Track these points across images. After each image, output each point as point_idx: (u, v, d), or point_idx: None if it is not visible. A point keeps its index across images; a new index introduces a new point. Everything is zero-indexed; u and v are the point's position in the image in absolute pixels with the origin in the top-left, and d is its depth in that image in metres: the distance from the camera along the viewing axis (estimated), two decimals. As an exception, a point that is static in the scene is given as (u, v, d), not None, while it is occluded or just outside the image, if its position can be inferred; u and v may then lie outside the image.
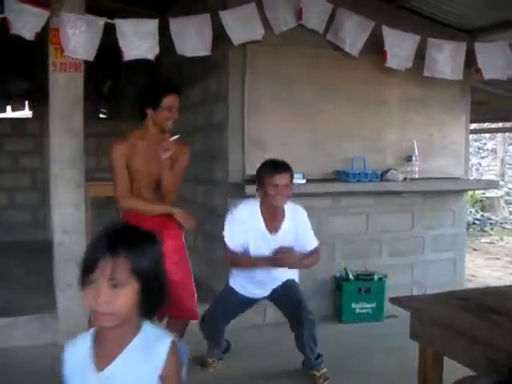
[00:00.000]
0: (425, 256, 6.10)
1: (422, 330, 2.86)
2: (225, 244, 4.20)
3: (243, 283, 4.28)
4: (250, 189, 5.00)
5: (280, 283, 4.27)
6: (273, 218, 4.16)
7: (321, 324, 4.66)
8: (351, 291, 5.49)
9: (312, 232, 4.28)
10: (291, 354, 4.47)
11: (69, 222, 4.77)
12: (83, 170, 4.83)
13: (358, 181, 5.43)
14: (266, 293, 4.30)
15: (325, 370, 4.27)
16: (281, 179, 4.01)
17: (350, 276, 5.51)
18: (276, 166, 4.07)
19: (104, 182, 7.41)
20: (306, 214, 4.24)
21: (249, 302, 4.39)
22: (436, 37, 5.53)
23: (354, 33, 5.36)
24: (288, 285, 4.27)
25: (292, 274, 4.31)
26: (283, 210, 4.18)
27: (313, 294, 4.55)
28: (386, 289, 5.53)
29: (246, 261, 4.17)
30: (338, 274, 5.60)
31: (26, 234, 8.35)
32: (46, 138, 6.68)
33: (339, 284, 5.55)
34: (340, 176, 5.52)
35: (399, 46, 5.40)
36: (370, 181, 5.50)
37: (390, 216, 5.90)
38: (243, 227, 4.13)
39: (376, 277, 5.56)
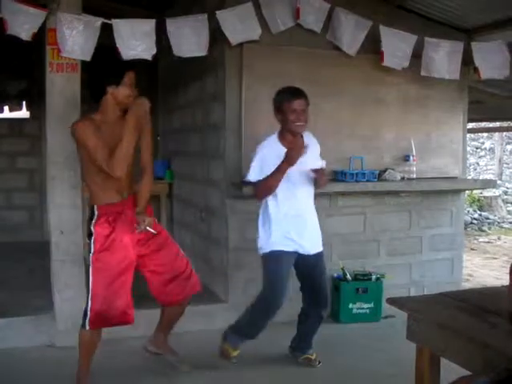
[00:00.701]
0: (422, 256, 6.09)
1: (419, 331, 2.86)
2: (251, 183, 4.24)
3: (279, 236, 4.21)
4: (248, 189, 4.99)
5: (312, 249, 4.28)
6: (293, 143, 4.16)
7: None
8: (349, 291, 5.49)
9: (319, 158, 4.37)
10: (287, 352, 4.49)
11: (65, 222, 4.76)
12: (79, 170, 4.81)
13: (356, 180, 5.42)
14: (301, 247, 4.24)
15: (315, 354, 4.48)
16: (299, 104, 4.11)
17: (348, 276, 5.51)
18: (293, 92, 4.15)
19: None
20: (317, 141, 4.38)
21: (291, 260, 4.30)
22: (433, 36, 5.53)
23: (351, 32, 5.36)
24: (318, 267, 4.34)
25: (319, 241, 4.35)
26: (302, 137, 4.22)
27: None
28: (383, 289, 5.52)
29: (270, 179, 4.09)
30: (335, 274, 5.58)
31: (23, 234, 8.35)
32: (43, 139, 6.69)
33: (337, 284, 5.55)
34: (337, 176, 5.51)
35: (396, 46, 5.40)
36: (367, 180, 5.49)
37: (388, 216, 5.90)
38: (266, 161, 4.12)
39: (373, 277, 5.56)
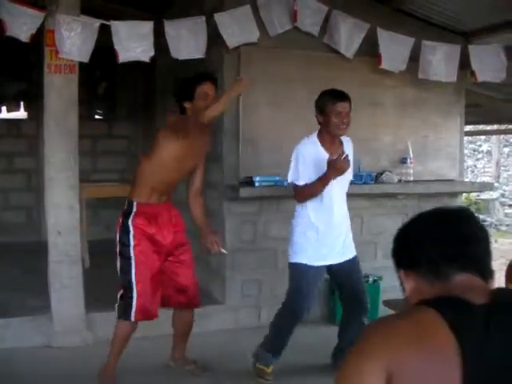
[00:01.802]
0: (419, 258, 6.08)
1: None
2: (294, 186, 4.15)
3: (313, 249, 4.15)
4: (245, 191, 5.01)
5: (346, 255, 4.25)
6: (332, 146, 4.15)
7: (314, 326, 4.68)
8: (345, 293, 5.49)
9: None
10: (288, 353, 4.50)
11: (63, 223, 4.77)
12: (77, 171, 4.82)
13: (353, 183, 5.42)
14: (334, 258, 4.22)
15: None
16: (343, 106, 4.04)
17: (345, 278, 5.51)
18: (338, 94, 4.09)
19: (99, 183, 7.44)
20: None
21: (318, 274, 4.27)
22: (431, 39, 5.55)
23: (349, 35, 5.38)
24: (352, 273, 4.30)
25: (351, 248, 4.32)
26: (340, 140, 4.22)
27: (307, 295, 4.58)
28: (380, 291, 5.53)
29: (317, 184, 4.03)
30: (332, 276, 5.59)
31: (20, 234, 8.32)
32: (41, 139, 6.67)
33: (333, 286, 5.54)
34: (335, 178, 5.51)
35: (394, 49, 5.42)
36: (364, 183, 5.50)
37: (385, 218, 5.90)
38: (307, 164, 4.08)
39: (370, 279, 5.56)
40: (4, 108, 8.93)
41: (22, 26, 4.52)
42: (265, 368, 4.28)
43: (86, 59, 4.69)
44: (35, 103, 8.05)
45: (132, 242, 3.89)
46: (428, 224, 1.63)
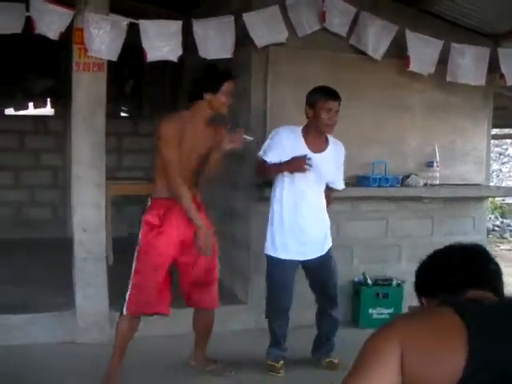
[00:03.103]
0: (444, 262, 6.03)
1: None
2: (261, 159, 4.31)
3: (287, 243, 4.29)
4: (270, 192, 4.99)
5: (321, 251, 4.36)
6: (315, 141, 4.29)
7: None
8: (369, 296, 5.46)
9: (342, 173, 4.49)
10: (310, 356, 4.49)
11: (89, 220, 4.79)
12: (104, 169, 4.85)
13: (379, 185, 5.40)
14: (308, 254, 4.33)
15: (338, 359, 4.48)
16: (334, 104, 4.16)
17: (369, 281, 5.48)
18: (330, 92, 4.20)
19: (124, 181, 7.48)
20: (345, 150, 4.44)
21: (294, 268, 4.38)
22: (459, 42, 5.49)
23: (377, 37, 5.34)
24: (323, 269, 4.39)
25: (324, 245, 4.40)
26: (326, 138, 4.35)
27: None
28: (404, 295, 5.49)
29: (271, 169, 4.28)
30: (356, 279, 5.57)
31: (45, 231, 8.39)
32: (67, 136, 6.72)
33: (357, 289, 5.53)
34: (360, 180, 5.49)
35: (422, 51, 5.37)
36: (390, 186, 5.47)
37: (410, 221, 5.86)
38: (283, 146, 4.22)
39: (394, 282, 5.53)
40: (31, 104, 9.01)
41: (51, 24, 4.54)
42: (275, 363, 4.40)
43: (114, 57, 4.70)
44: (62, 100, 8.11)
45: (140, 235, 3.93)
46: (444, 258, 1.85)
